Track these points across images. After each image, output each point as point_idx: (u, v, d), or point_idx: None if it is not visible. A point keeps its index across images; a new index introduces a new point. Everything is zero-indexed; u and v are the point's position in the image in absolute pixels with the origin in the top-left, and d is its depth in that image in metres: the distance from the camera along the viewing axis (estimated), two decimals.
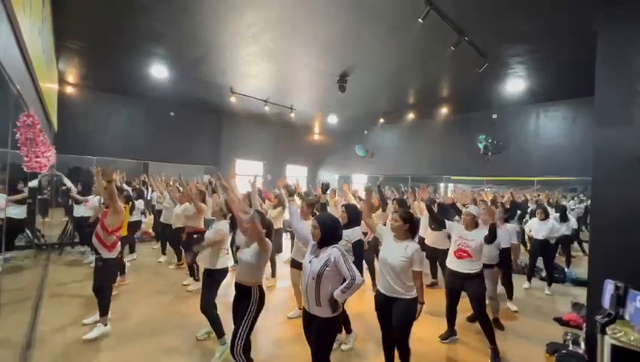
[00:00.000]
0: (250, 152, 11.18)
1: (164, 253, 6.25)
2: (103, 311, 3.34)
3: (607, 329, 2.17)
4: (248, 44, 5.15)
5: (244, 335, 2.35)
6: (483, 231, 3.30)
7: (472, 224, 3.40)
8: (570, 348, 3.03)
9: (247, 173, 11.12)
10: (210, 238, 3.17)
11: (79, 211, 5.86)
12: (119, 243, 3.54)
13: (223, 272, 3.26)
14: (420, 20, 3.84)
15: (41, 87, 3.63)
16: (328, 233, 2.14)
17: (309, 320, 2.17)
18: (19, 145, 2.77)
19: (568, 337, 3.30)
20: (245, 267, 2.47)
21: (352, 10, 4.04)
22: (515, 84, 6.41)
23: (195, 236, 4.77)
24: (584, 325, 3.26)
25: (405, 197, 6.79)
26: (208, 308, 3.08)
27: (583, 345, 2.97)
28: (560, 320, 4.11)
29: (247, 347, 2.40)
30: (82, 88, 7.85)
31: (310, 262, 2.15)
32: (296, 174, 12.75)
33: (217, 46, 5.27)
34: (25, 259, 5.40)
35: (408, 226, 2.59)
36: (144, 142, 8.87)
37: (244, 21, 4.42)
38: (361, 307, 4.18)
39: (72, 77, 7.25)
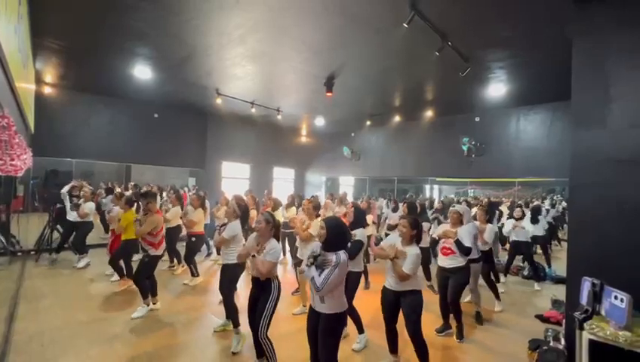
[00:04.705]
0: (237, 155, 11.04)
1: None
2: (144, 295, 3.87)
3: (584, 324, 2.25)
4: (235, 46, 5.10)
5: (268, 321, 2.63)
6: (466, 228, 3.57)
7: (458, 222, 3.64)
8: (551, 343, 3.12)
9: (234, 176, 11.02)
10: (224, 237, 3.27)
11: (74, 215, 5.89)
12: (164, 242, 4.07)
13: (237, 266, 3.35)
14: (404, 25, 3.90)
15: (17, 86, 3.50)
16: (334, 237, 2.20)
17: (315, 318, 2.24)
18: None
19: (549, 333, 3.41)
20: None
21: (338, 14, 4.06)
22: (497, 88, 6.59)
23: (192, 238, 5.27)
24: (564, 321, 3.37)
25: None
26: (228, 298, 3.32)
27: (563, 341, 3.07)
28: (541, 317, 4.24)
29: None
30: (61, 88, 7.57)
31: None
32: (283, 176, 12.71)
33: (203, 47, 5.20)
34: None
35: (415, 232, 2.78)
36: (126, 144, 8.61)
37: (231, 22, 4.38)
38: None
39: (50, 77, 6.98)
